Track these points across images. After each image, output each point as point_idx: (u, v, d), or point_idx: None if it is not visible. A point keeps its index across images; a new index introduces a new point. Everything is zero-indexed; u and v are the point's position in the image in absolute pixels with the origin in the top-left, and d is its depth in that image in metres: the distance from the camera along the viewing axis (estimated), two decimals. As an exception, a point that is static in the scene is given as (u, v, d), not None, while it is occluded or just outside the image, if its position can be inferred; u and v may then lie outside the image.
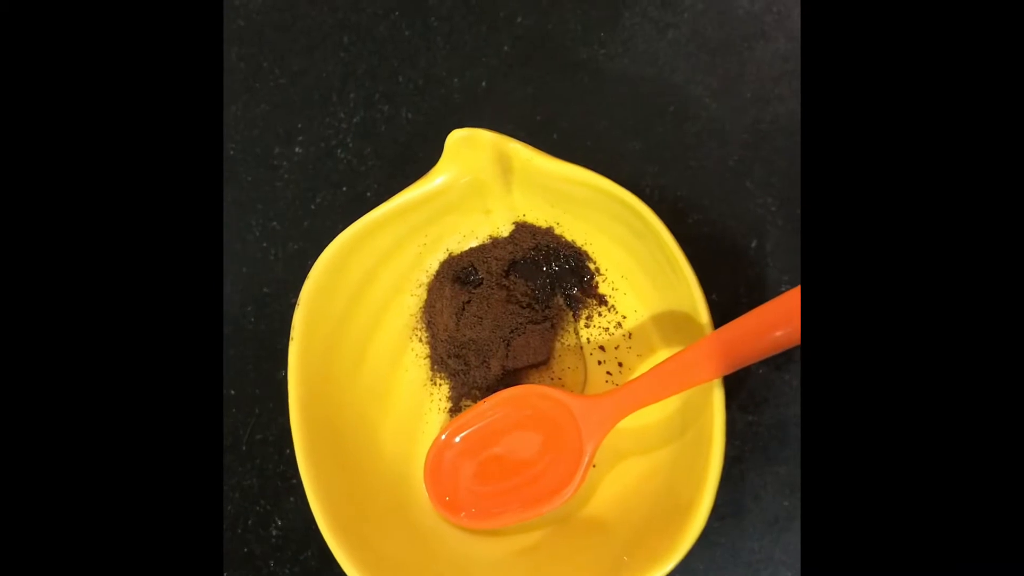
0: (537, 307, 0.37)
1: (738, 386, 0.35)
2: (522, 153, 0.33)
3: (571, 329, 0.37)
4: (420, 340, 0.38)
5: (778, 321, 0.27)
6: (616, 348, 0.37)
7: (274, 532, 0.41)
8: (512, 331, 0.36)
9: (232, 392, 0.42)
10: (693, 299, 0.31)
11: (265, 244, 0.42)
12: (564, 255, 0.37)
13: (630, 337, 0.36)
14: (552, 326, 0.37)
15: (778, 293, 0.36)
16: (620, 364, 0.36)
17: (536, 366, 0.37)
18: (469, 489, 0.35)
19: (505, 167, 0.34)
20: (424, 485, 0.36)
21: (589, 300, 0.37)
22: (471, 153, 0.33)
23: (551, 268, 0.37)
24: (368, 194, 0.41)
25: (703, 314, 0.31)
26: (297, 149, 0.42)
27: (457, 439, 0.35)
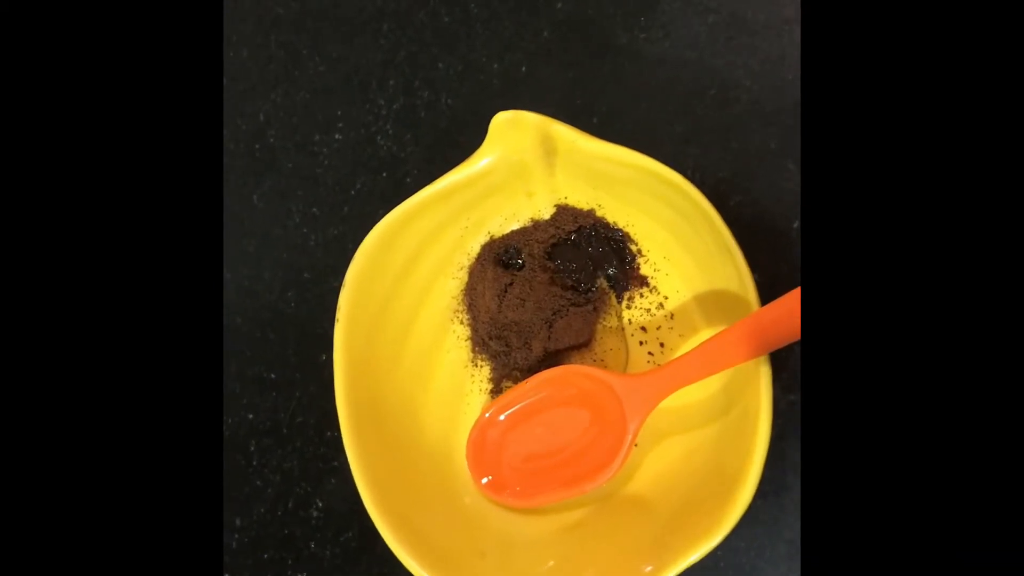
0: (580, 289, 0.37)
1: (780, 365, 0.36)
2: (566, 135, 0.33)
3: (613, 311, 0.37)
4: (461, 322, 0.39)
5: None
6: (658, 329, 0.37)
7: (315, 514, 0.41)
8: (554, 313, 0.37)
9: (272, 376, 0.42)
10: (740, 278, 0.31)
11: (305, 230, 0.43)
12: (606, 237, 0.37)
13: (672, 318, 0.37)
14: (595, 308, 0.37)
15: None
16: (662, 345, 0.37)
17: (578, 348, 0.37)
18: (512, 468, 0.36)
19: (548, 149, 0.34)
20: (466, 464, 0.36)
21: (631, 281, 0.37)
22: (515, 135, 0.33)
23: (593, 250, 0.37)
24: (408, 180, 0.41)
25: (751, 293, 0.31)
26: (337, 136, 0.43)
27: (501, 418, 0.36)
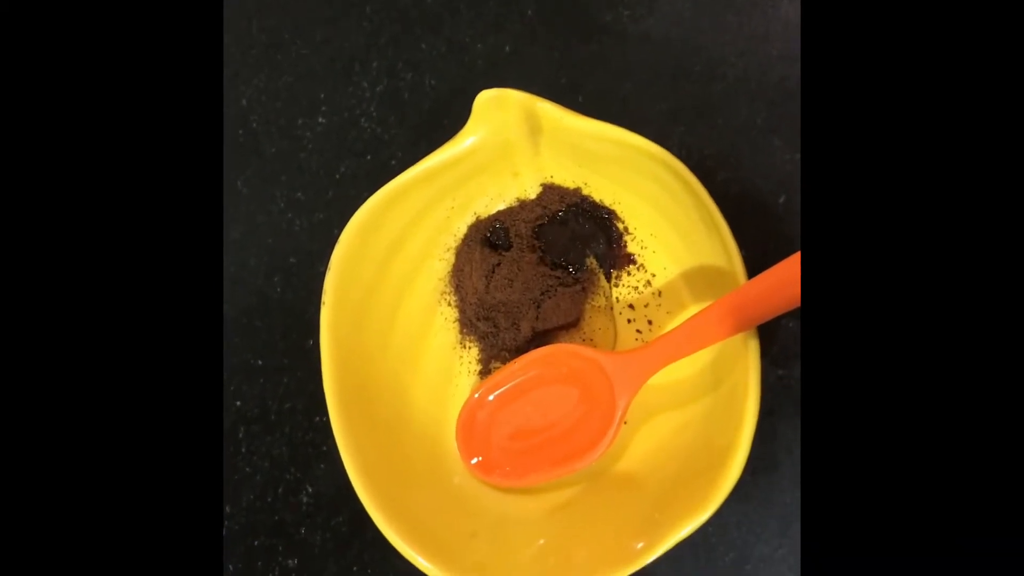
0: (568, 269, 0.37)
1: (769, 340, 0.36)
2: (552, 112, 0.33)
3: (601, 290, 0.37)
4: (449, 304, 0.39)
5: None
6: (646, 306, 0.37)
7: (305, 499, 0.41)
8: (542, 293, 0.36)
9: (260, 362, 0.42)
10: (727, 254, 0.31)
11: (290, 215, 0.42)
12: (592, 215, 0.37)
13: (660, 295, 0.36)
14: (583, 288, 0.37)
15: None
16: (650, 322, 0.37)
17: (566, 327, 0.37)
18: (501, 448, 0.36)
19: (534, 127, 0.34)
20: (456, 445, 0.36)
21: (618, 259, 0.37)
22: (500, 113, 0.33)
23: (580, 229, 0.37)
24: (392, 162, 0.41)
25: (738, 269, 0.31)
26: (320, 119, 0.43)
27: (489, 398, 0.35)
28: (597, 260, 0.37)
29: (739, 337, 0.31)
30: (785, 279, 0.29)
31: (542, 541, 0.34)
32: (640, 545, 0.31)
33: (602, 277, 0.37)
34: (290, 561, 0.41)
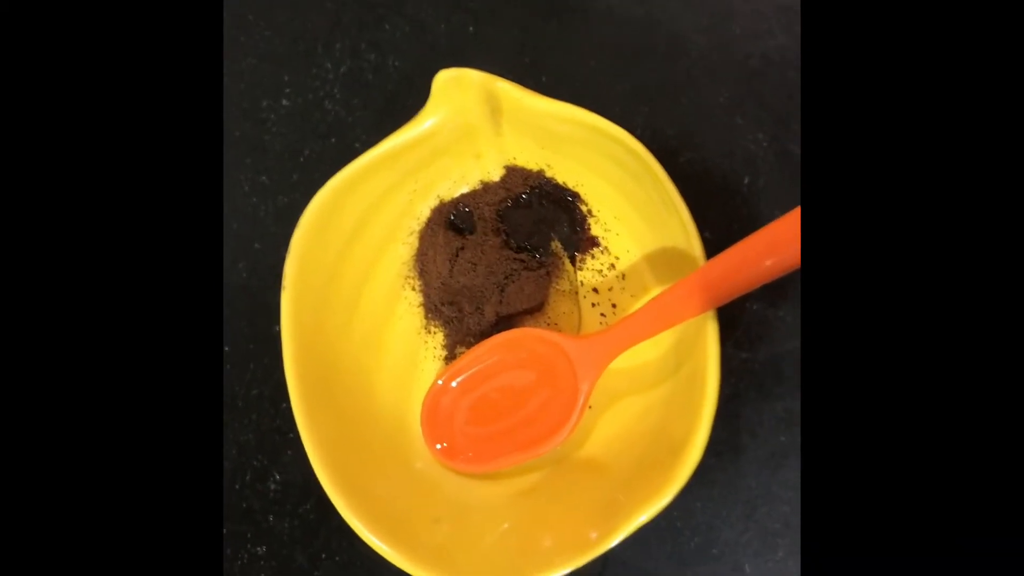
0: (533, 253, 0.37)
1: (732, 324, 0.35)
2: (511, 92, 0.32)
3: (566, 275, 0.37)
4: (413, 289, 0.38)
5: (768, 250, 0.27)
6: (610, 290, 0.36)
7: (272, 486, 0.41)
8: (506, 277, 0.36)
9: (227, 348, 0.42)
10: (687, 235, 0.31)
11: (255, 199, 0.42)
12: (556, 198, 0.37)
13: (623, 278, 0.36)
14: (547, 272, 0.36)
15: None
16: (614, 305, 0.36)
17: (531, 312, 0.36)
18: (465, 433, 0.35)
19: (494, 107, 0.33)
20: (421, 432, 0.36)
21: (582, 243, 0.37)
22: (459, 94, 0.33)
23: (543, 211, 0.37)
24: (357, 145, 0.41)
25: (697, 250, 0.31)
26: (284, 102, 0.42)
27: (453, 384, 0.35)
28: (562, 244, 0.37)
29: (699, 320, 0.31)
30: (747, 258, 0.28)
31: (506, 526, 0.34)
32: (603, 530, 0.31)
33: (567, 261, 0.37)
34: (258, 548, 0.40)
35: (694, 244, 0.31)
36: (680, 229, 0.31)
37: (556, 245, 0.37)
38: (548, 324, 0.36)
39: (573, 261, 0.37)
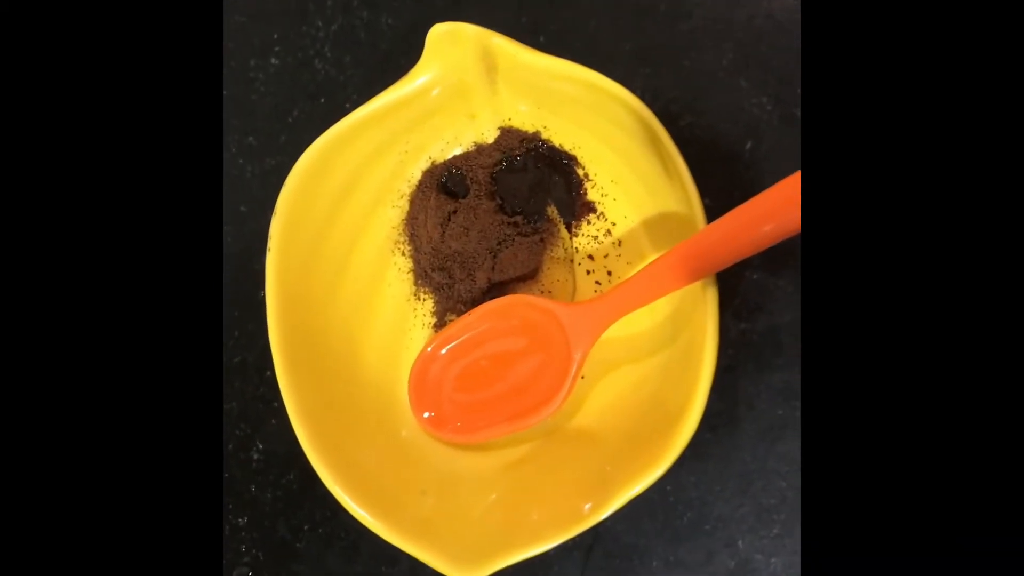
0: (528, 218, 0.36)
1: (730, 293, 0.34)
2: (508, 48, 0.31)
3: (561, 242, 0.36)
4: (403, 254, 0.37)
5: (767, 214, 0.26)
6: (605, 257, 0.35)
7: (255, 456, 0.40)
8: (500, 243, 0.35)
9: (210, 314, 0.40)
10: (688, 201, 0.30)
11: (241, 161, 0.40)
12: (552, 161, 0.35)
13: (620, 245, 0.35)
14: (541, 239, 0.35)
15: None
16: (609, 273, 0.35)
17: (523, 279, 0.35)
18: (454, 403, 0.34)
19: (490, 65, 0.32)
20: (408, 401, 0.35)
21: (578, 208, 0.36)
22: (454, 50, 0.32)
23: (539, 175, 0.36)
24: (347, 105, 0.39)
25: (698, 216, 0.30)
26: (273, 60, 0.41)
27: (442, 352, 0.34)
28: (557, 209, 0.36)
29: (697, 289, 0.30)
30: (746, 222, 0.27)
31: (493, 497, 0.33)
32: (593, 503, 0.30)
33: (562, 228, 0.36)
34: (240, 519, 0.40)
35: (696, 210, 0.30)
36: (681, 194, 0.30)
37: (552, 211, 0.36)
38: (542, 292, 0.35)
39: (569, 228, 0.36)
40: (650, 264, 0.30)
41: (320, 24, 0.40)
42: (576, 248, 0.36)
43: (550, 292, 0.35)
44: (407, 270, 0.37)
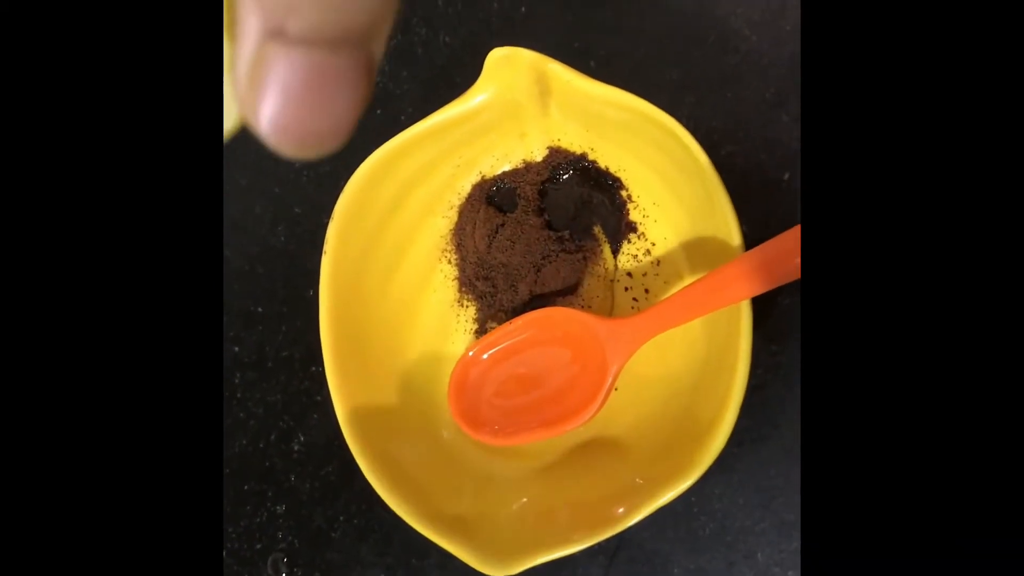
0: (572, 236, 0.37)
1: (762, 316, 0.36)
2: (562, 74, 0.33)
3: (603, 260, 0.37)
4: (449, 262, 0.39)
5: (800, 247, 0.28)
6: (644, 275, 0.37)
7: (296, 447, 0.41)
8: (544, 257, 0.37)
9: (260, 309, 0.42)
10: (728, 227, 0.31)
11: (297, 165, 0.42)
12: (597, 181, 0.37)
13: (658, 264, 0.37)
14: (584, 257, 0.37)
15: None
16: (647, 291, 0.37)
17: (564, 293, 0.37)
18: (492, 406, 0.36)
19: (543, 88, 0.34)
20: (448, 402, 0.36)
21: (620, 227, 0.37)
22: (510, 73, 0.33)
23: (584, 194, 0.37)
24: (402, 117, 0.41)
25: (736, 242, 0.31)
26: (333, 71, 0.42)
27: (484, 356, 0.36)
28: (603, 229, 0.37)
29: (733, 309, 0.31)
30: (784, 250, 0.29)
31: (524, 500, 0.35)
32: (621, 510, 0.31)
33: (606, 247, 0.37)
34: (278, 507, 0.41)
35: (734, 236, 0.31)
36: (720, 220, 0.32)
37: (598, 230, 0.37)
38: (581, 306, 0.37)
39: (614, 251, 0.37)
40: (689, 286, 0.31)
41: (380, 39, 0.42)
42: (616, 265, 0.37)
43: (589, 307, 0.37)
44: (452, 277, 0.39)
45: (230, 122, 0.14)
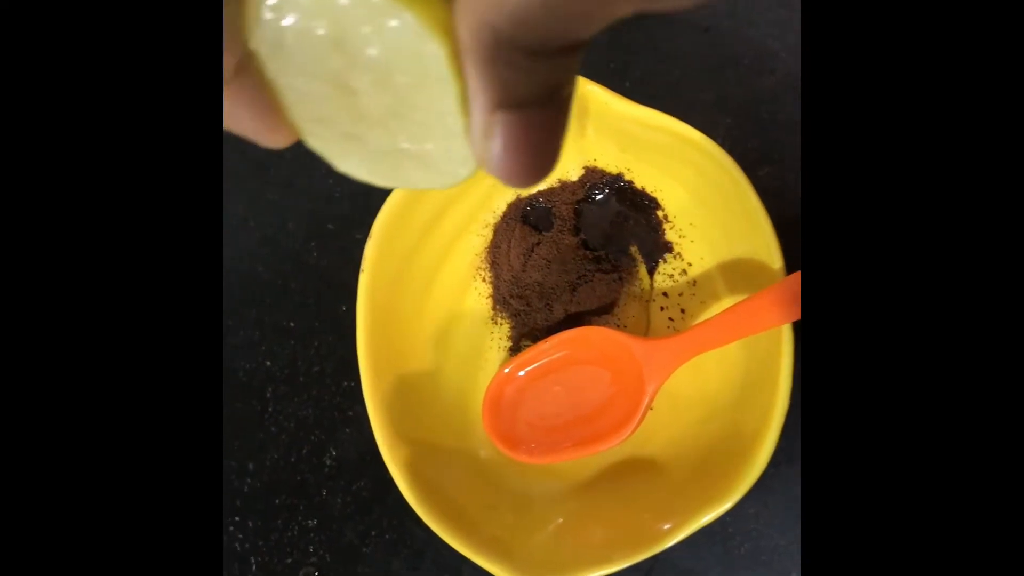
0: (608, 256, 0.37)
1: (799, 334, 0.36)
2: (599, 95, 0.33)
3: (639, 281, 0.37)
4: (484, 280, 0.39)
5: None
6: (680, 295, 0.37)
7: (328, 462, 0.42)
8: (579, 277, 0.37)
9: (292, 324, 0.43)
10: (768, 248, 0.32)
11: (331, 181, 0.43)
12: (633, 201, 0.37)
13: (695, 284, 0.37)
14: (620, 277, 0.37)
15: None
16: (683, 311, 0.37)
17: (599, 313, 0.37)
18: (528, 424, 0.36)
19: (581, 109, 0.34)
20: (482, 419, 0.36)
21: (656, 247, 0.37)
22: (548, 93, 0.33)
23: (621, 214, 0.38)
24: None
25: (777, 263, 0.31)
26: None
27: (520, 374, 0.36)
28: (640, 251, 0.38)
29: (773, 331, 0.31)
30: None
31: (560, 520, 0.35)
32: (659, 529, 0.31)
33: (642, 267, 0.38)
34: (310, 521, 0.41)
35: (775, 258, 0.31)
36: (760, 242, 0.32)
37: (634, 250, 0.37)
38: (616, 326, 0.37)
39: (651, 271, 0.37)
40: (732, 308, 0.31)
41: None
42: (652, 286, 0.38)
43: (624, 326, 0.37)
44: (486, 295, 0.39)
45: (468, 169, 0.17)
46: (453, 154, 0.17)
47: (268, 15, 0.15)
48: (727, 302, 0.35)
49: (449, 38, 0.15)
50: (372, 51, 0.15)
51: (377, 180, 0.19)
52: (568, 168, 0.38)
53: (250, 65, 0.16)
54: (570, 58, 0.15)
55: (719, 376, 0.35)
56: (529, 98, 0.15)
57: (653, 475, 0.35)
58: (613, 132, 0.35)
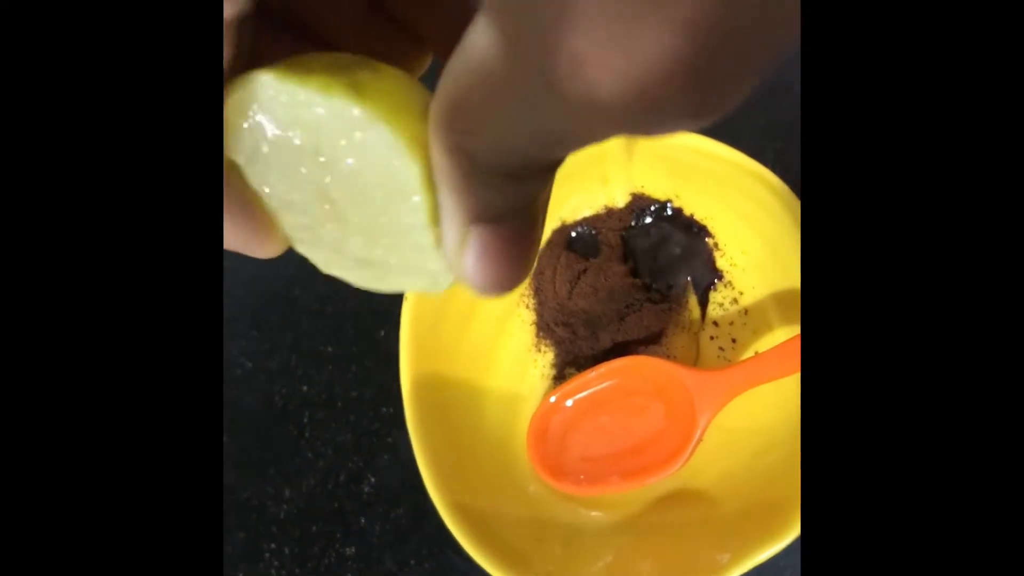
0: (658, 285, 0.37)
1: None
2: (651, 122, 0.33)
3: (689, 312, 0.37)
4: (527, 307, 0.38)
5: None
6: (731, 324, 0.36)
7: (366, 489, 0.41)
8: (627, 306, 0.36)
9: (329, 349, 0.42)
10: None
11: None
12: (683, 228, 0.37)
13: (746, 313, 0.36)
14: (670, 308, 0.36)
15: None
16: (734, 340, 0.36)
17: (647, 342, 0.36)
18: (574, 455, 0.35)
19: (630, 136, 0.34)
20: (527, 449, 0.36)
21: (706, 275, 0.37)
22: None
23: (670, 241, 0.37)
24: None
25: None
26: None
27: (567, 404, 0.35)
28: (690, 279, 0.37)
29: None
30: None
31: (610, 559, 0.34)
32: (717, 561, 0.31)
33: (692, 296, 0.37)
34: (347, 549, 0.41)
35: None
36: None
37: (687, 281, 0.37)
38: (664, 356, 0.36)
39: (701, 301, 0.37)
40: (789, 341, 0.31)
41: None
42: (702, 315, 0.37)
43: (673, 356, 0.36)
44: (530, 322, 0.38)
45: (448, 280, 0.17)
46: (432, 263, 0.17)
47: (246, 124, 0.16)
48: (780, 331, 0.35)
49: (424, 153, 0.15)
50: (349, 161, 0.15)
51: (365, 285, 0.19)
52: (614, 195, 0.37)
53: (231, 176, 0.17)
54: (548, 175, 0.14)
55: (773, 409, 0.34)
56: (504, 212, 0.15)
57: (705, 510, 0.34)
58: (661, 159, 0.35)
